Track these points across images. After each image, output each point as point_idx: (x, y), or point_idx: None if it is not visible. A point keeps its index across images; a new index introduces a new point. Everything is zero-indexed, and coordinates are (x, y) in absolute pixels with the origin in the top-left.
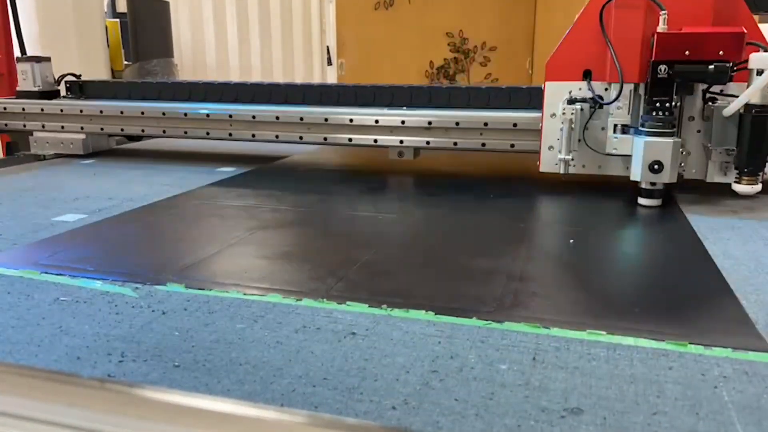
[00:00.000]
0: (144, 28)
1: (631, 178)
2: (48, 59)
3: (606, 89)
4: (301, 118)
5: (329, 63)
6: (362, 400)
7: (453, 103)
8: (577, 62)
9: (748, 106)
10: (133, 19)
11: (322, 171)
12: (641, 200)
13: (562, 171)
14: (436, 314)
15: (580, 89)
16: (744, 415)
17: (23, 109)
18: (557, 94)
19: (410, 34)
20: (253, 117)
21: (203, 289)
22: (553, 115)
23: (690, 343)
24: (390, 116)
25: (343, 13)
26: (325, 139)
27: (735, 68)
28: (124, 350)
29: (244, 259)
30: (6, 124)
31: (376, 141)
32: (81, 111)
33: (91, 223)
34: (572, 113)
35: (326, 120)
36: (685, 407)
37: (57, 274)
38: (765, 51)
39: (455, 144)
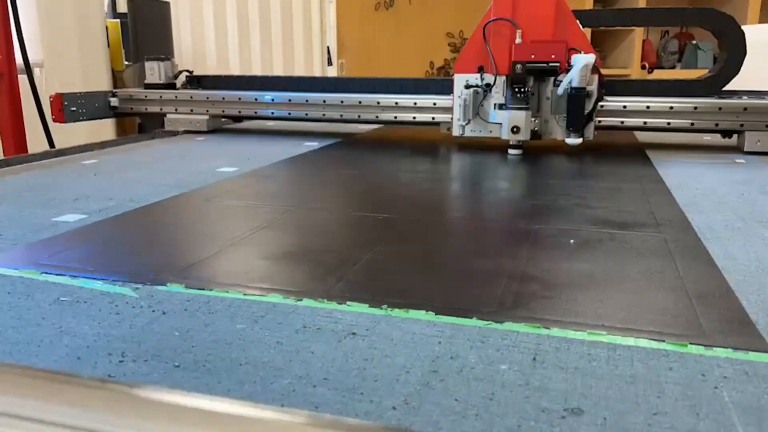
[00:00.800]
0: (144, 29)
1: (502, 138)
2: (169, 58)
3: (493, 82)
4: (378, 102)
5: (329, 63)
6: (362, 401)
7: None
8: (474, 61)
9: (571, 88)
10: (133, 20)
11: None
12: (510, 151)
13: (457, 133)
14: (436, 314)
15: (475, 79)
16: (744, 416)
17: (160, 97)
18: (461, 82)
19: (411, 35)
20: (342, 102)
21: (203, 289)
22: (459, 96)
23: (690, 344)
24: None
25: (344, 13)
26: (377, 117)
27: (567, 65)
28: (124, 350)
29: (245, 258)
30: (146, 108)
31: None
32: (207, 98)
33: (91, 224)
34: (467, 95)
35: (378, 103)
36: (686, 407)
37: (57, 275)
38: (580, 53)
39: (414, 118)
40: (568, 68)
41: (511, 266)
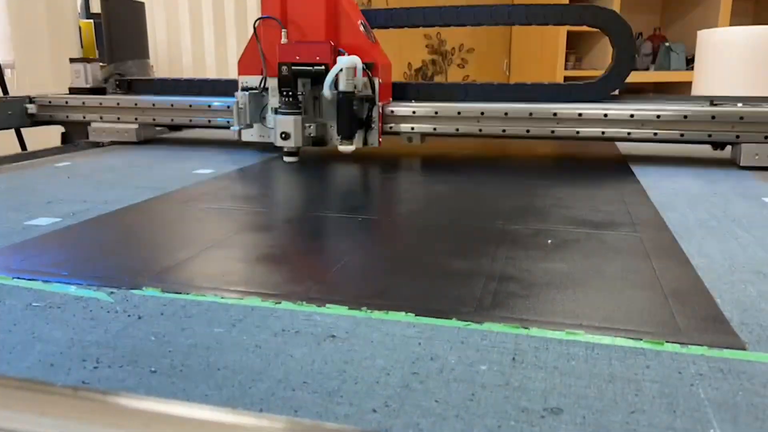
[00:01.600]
0: (119, 29)
1: (274, 144)
2: (97, 60)
3: (263, 83)
4: None
5: None
6: (342, 404)
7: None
8: (255, 62)
9: (338, 92)
10: (107, 20)
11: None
12: (285, 158)
13: (236, 137)
14: (416, 315)
15: (255, 82)
16: (720, 412)
17: (83, 103)
18: (239, 85)
19: (388, 36)
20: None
21: (180, 293)
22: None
23: (666, 342)
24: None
25: None
26: None
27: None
28: (99, 356)
29: (222, 261)
30: (67, 116)
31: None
32: (135, 104)
33: (64, 227)
34: (242, 99)
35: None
36: (663, 405)
37: (29, 279)
38: (345, 56)
39: (209, 121)
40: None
41: (490, 266)
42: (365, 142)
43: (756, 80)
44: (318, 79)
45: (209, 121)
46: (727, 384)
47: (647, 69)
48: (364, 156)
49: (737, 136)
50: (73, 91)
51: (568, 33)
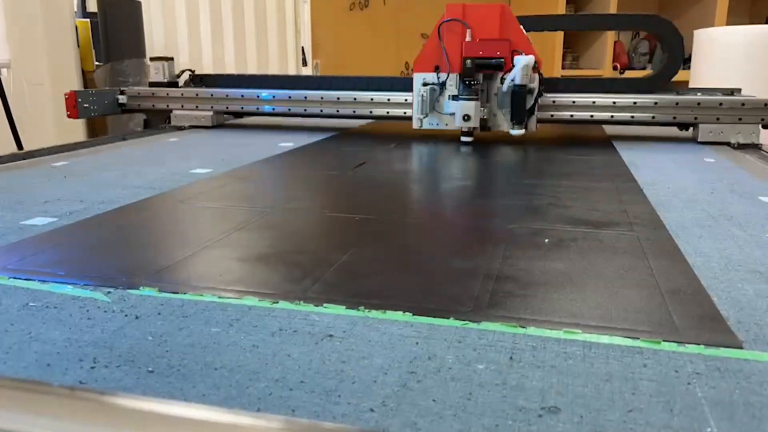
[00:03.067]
0: (115, 28)
1: (455, 125)
2: (172, 59)
3: (446, 78)
4: (371, 99)
5: (304, 64)
6: (340, 403)
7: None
8: (430, 61)
9: (514, 84)
10: (103, 19)
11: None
12: (462, 138)
13: (416, 126)
14: (413, 315)
15: (432, 77)
16: (717, 411)
17: (167, 94)
18: (419, 80)
19: (385, 35)
20: (321, 98)
21: (177, 292)
22: (418, 93)
23: (664, 341)
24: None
25: (318, 13)
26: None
27: (511, 65)
28: (96, 356)
29: (219, 261)
30: (153, 105)
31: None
32: (212, 95)
33: (61, 227)
34: (425, 91)
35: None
36: (660, 404)
37: (26, 279)
38: (522, 54)
39: (387, 113)
40: (512, 68)
41: (487, 265)
42: (526, 128)
43: (752, 79)
44: (490, 73)
45: (273, 109)
46: (723, 383)
47: (644, 68)
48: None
49: (695, 118)
50: (152, 84)
51: (566, 33)
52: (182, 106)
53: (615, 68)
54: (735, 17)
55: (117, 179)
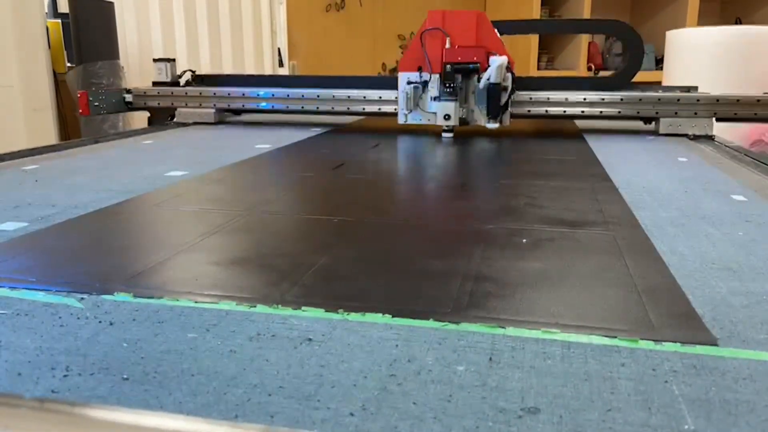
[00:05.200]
0: (87, 30)
1: (437, 123)
2: (174, 60)
3: (428, 78)
4: (364, 97)
5: (281, 65)
6: (319, 408)
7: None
8: (414, 62)
9: (489, 83)
10: (75, 20)
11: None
12: (443, 134)
13: (401, 121)
14: (393, 317)
15: (415, 77)
16: (693, 408)
17: (172, 93)
18: (404, 79)
19: (362, 37)
20: (318, 96)
21: (152, 297)
22: (402, 91)
23: (641, 339)
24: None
25: (294, 14)
26: (349, 109)
27: (487, 65)
28: (69, 364)
29: (195, 265)
30: (158, 103)
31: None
32: (214, 93)
33: (32, 232)
34: (409, 90)
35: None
36: (638, 402)
37: None
38: (496, 55)
39: (379, 109)
40: (487, 67)
41: (466, 266)
42: (501, 122)
43: (723, 79)
44: (468, 74)
45: (272, 106)
46: (700, 380)
47: (617, 69)
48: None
49: (656, 113)
50: (156, 84)
51: (540, 35)
52: (186, 104)
53: (590, 69)
54: (706, 18)
55: (90, 183)
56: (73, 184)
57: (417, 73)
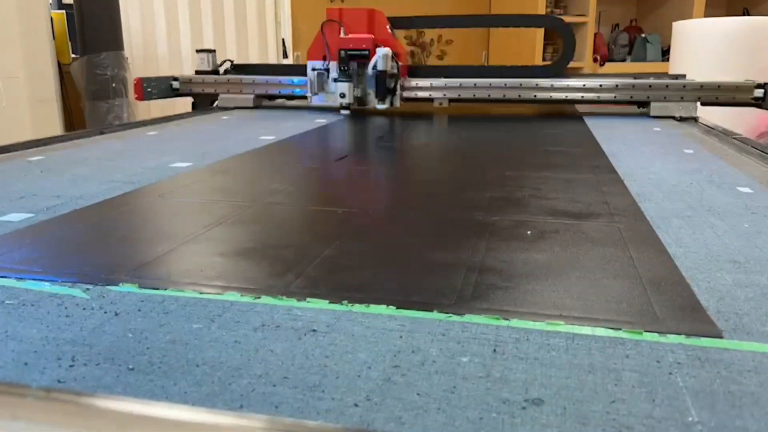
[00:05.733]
0: (92, 21)
1: (336, 104)
2: (214, 51)
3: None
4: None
5: (285, 56)
6: (323, 398)
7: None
8: (319, 52)
9: (376, 70)
10: (79, 11)
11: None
12: (341, 111)
13: (310, 103)
14: (397, 308)
15: (320, 65)
16: (698, 400)
17: (215, 80)
18: (310, 67)
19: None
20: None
21: (158, 288)
22: (308, 77)
23: (645, 331)
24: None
25: (299, 5)
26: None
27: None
28: (74, 354)
29: (200, 256)
30: (203, 90)
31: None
32: (253, 81)
33: (38, 223)
34: (313, 76)
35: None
36: (642, 394)
37: (1, 277)
38: (382, 47)
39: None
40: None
41: (470, 257)
42: (392, 104)
43: (729, 69)
44: (363, 61)
45: (305, 92)
46: (704, 372)
47: (624, 60)
48: (392, 112)
49: (648, 97)
50: (198, 72)
51: (546, 28)
52: (228, 91)
53: (595, 60)
54: (713, 9)
55: (95, 174)
56: (78, 174)
57: (321, 62)
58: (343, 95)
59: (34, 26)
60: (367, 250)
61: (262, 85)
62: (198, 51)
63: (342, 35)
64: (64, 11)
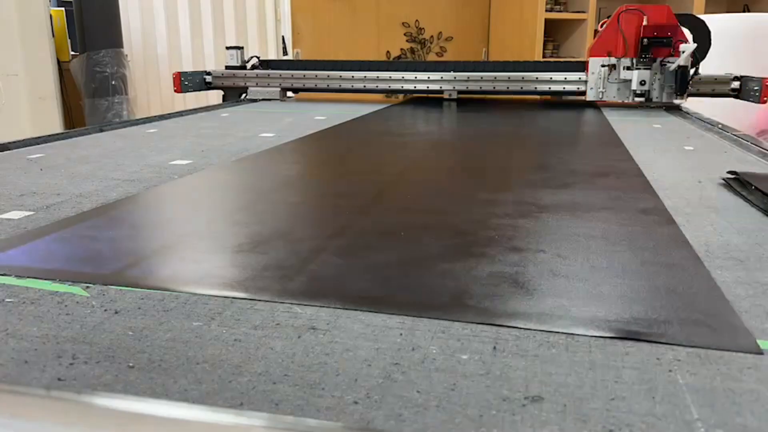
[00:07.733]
0: (91, 18)
1: (629, 91)
2: (242, 48)
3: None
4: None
5: (285, 53)
6: (324, 396)
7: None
8: (603, 48)
9: (678, 66)
10: (79, 8)
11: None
12: (636, 98)
13: (598, 98)
14: (397, 306)
15: (606, 60)
16: (698, 397)
17: (245, 74)
18: (596, 63)
19: (366, 24)
20: (365, 77)
21: (158, 286)
22: (593, 73)
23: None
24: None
25: (299, 2)
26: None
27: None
28: (75, 352)
29: (200, 254)
30: (233, 83)
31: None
32: (280, 75)
33: (38, 221)
34: (602, 71)
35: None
36: (642, 392)
37: (2, 275)
38: (684, 43)
39: (414, 87)
40: (676, 52)
41: (470, 254)
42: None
43: (730, 65)
44: (665, 50)
45: (327, 85)
46: (704, 369)
47: None
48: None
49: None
50: (228, 67)
51: (546, 21)
52: (257, 84)
53: None
54: (713, 6)
55: (95, 171)
56: (78, 172)
57: (607, 58)
58: (643, 83)
59: (34, 24)
60: (369, 247)
61: (288, 79)
62: (228, 48)
63: (645, 23)
64: (63, 9)
